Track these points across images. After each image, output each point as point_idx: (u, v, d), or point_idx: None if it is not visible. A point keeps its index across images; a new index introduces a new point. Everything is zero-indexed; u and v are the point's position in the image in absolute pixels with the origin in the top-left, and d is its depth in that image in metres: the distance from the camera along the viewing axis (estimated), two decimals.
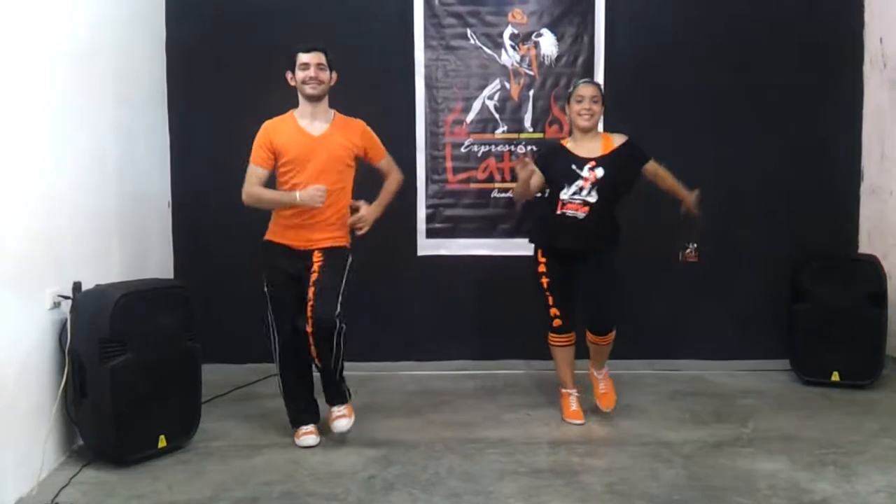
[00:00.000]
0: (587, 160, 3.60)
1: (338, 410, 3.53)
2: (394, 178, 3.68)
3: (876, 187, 4.65)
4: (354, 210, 3.51)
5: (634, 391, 4.18)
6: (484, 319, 4.70)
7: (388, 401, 4.12)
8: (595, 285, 3.65)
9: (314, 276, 3.36)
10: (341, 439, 3.51)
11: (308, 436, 3.47)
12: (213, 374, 4.00)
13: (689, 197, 3.68)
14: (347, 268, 3.46)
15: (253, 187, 3.43)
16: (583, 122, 3.63)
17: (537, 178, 3.66)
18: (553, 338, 3.76)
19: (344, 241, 3.53)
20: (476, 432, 3.63)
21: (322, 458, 3.30)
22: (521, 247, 4.66)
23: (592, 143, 3.66)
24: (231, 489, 2.99)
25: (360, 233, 3.52)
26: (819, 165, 4.70)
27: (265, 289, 3.49)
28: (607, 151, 3.63)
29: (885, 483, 2.99)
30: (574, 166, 3.60)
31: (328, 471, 3.17)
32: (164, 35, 4.57)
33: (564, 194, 3.60)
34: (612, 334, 3.73)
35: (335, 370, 3.48)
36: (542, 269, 3.71)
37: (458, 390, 4.32)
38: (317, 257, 3.42)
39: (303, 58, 3.40)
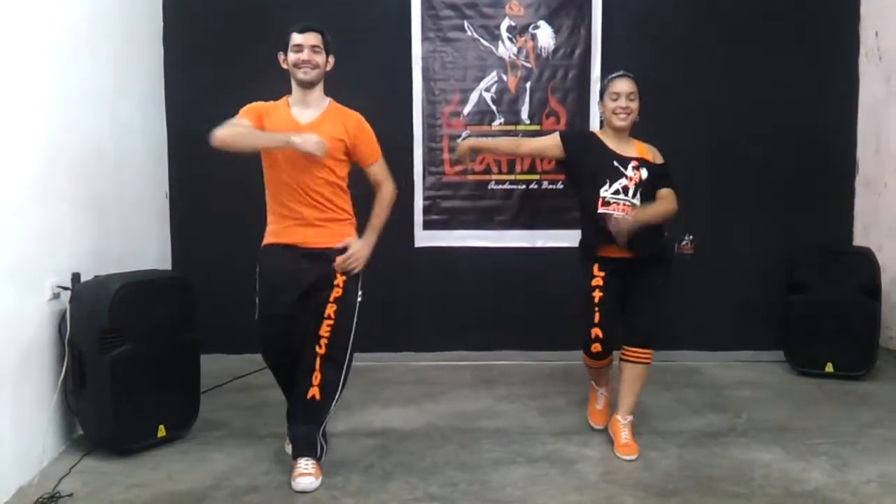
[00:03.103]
0: (629, 158, 3.28)
1: (304, 465, 2.95)
2: (385, 192, 3.18)
3: (871, 180, 4.68)
4: (343, 250, 3.07)
5: None
6: (481, 310, 4.72)
7: (386, 391, 4.14)
8: (644, 295, 3.29)
9: (338, 293, 3.03)
10: (340, 430, 3.52)
11: (306, 477, 2.92)
12: (212, 365, 4.03)
13: (634, 218, 3.19)
14: (359, 300, 3.11)
15: (231, 126, 3.00)
16: (618, 122, 3.29)
17: (556, 151, 3.36)
18: (588, 361, 3.40)
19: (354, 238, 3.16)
20: (473, 422, 3.66)
21: None
22: (517, 238, 4.71)
23: (626, 144, 3.33)
24: (231, 478, 3.02)
25: (354, 271, 3.07)
26: (814, 158, 4.73)
27: (256, 300, 3.10)
28: (643, 156, 3.32)
29: (877, 473, 3.03)
30: (617, 163, 3.26)
31: (327, 460, 3.18)
32: (162, 27, 4.57)
33: (605, 191, 3.25)
34: (651, 353, 3.34)
35: (322, 407, 3.02)
36: (596, 282, 3.27)
37: (456, 381, 4.34)
38: (339, 281, 3.03)
39: (296, 38, 3.04)
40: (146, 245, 4.25)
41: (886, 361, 4.44)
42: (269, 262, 3.10)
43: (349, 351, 3.06)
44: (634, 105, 3.31)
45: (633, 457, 3.22)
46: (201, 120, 4.55)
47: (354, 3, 4.60)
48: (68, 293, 3.21)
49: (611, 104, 3.31)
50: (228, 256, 4.56)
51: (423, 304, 4.70)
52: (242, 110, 3.12)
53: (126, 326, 3.15)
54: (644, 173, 3.27)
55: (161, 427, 3.30)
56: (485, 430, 3.55)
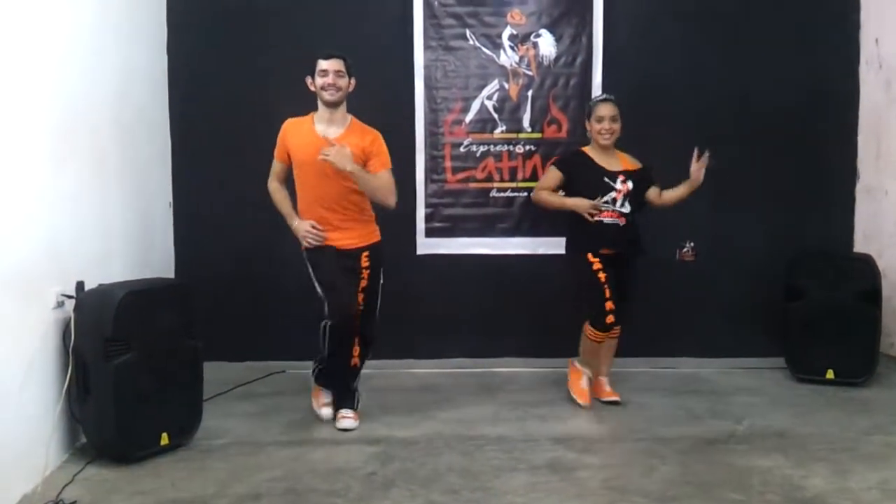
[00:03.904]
0: (617, 173, 3.89)
1: (346, 412, 3.70)
2: (385, 181, 3.56)
3: (871, 186, 4.69)
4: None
5: (631, 388, 4.21)
6: (483, 317, 4.73)
7: (388, 398, 4.15)
8: (623, 288, 3.88)
9: (364, 283, 3.66)
10: (342, 437, 3.56)
11: (326, 408, 3.74)
12: (215, 372, 4.03)
13: (694, 179, 3.92)
14: (382, 274, 3.74)
15: (273, 182, 3.69)
16: (603, 141, 3.90)
17: (557, 179, 3.97)
18: (599, 335, 3.86)
19: (377, 236, 3.73)
20: (475, 429, 3.67)
21: (322, 455, 3.34)
22: (519, 245, 4.73)
23: (612, 158, 3.94)
24: (233, 486, 3.03)
25: (322, 157, 3.38)
26: (815, 164, 4.74)
27: (314, 281, 3.59)
28: (628, 168, 3.92)
29: (878, 480, 3.03)
30: (607, 178, 3.86)
31: (329, 467, 3.21)
32: (166, 35, 4.60)
33: (598, 201, 3.84)
34: (619, 329, 4.00)
35: (359, 372, 3.80)
36: (597, 266, 3.83)
37: (458, 388, 4.36)
38: (364, 262, 3.64)
39: (322, 64, 3.50)
40: (149, 253, 4.27)
41: (887, 368, 4.44)
42: (316, 257, 3.60)
43: (376, 325, 3.79)
44: (617, 126, 3.90)
45: (617, 398, 3.97)
46: (204, 129, 4.64)
47: (357, 12, 4.62)
48: (72, 302, 3.22)
49: (596, 125, 3.91)
50: (231, 264, 4.60)
51: (425, 311, 4.71)
52: (279, 138, 3.64)
53: (130, 334, 3.16)
54: (630, 185, 3.88)
55: (164, 435, 3.31)
56: (487, 437, 3.56)
